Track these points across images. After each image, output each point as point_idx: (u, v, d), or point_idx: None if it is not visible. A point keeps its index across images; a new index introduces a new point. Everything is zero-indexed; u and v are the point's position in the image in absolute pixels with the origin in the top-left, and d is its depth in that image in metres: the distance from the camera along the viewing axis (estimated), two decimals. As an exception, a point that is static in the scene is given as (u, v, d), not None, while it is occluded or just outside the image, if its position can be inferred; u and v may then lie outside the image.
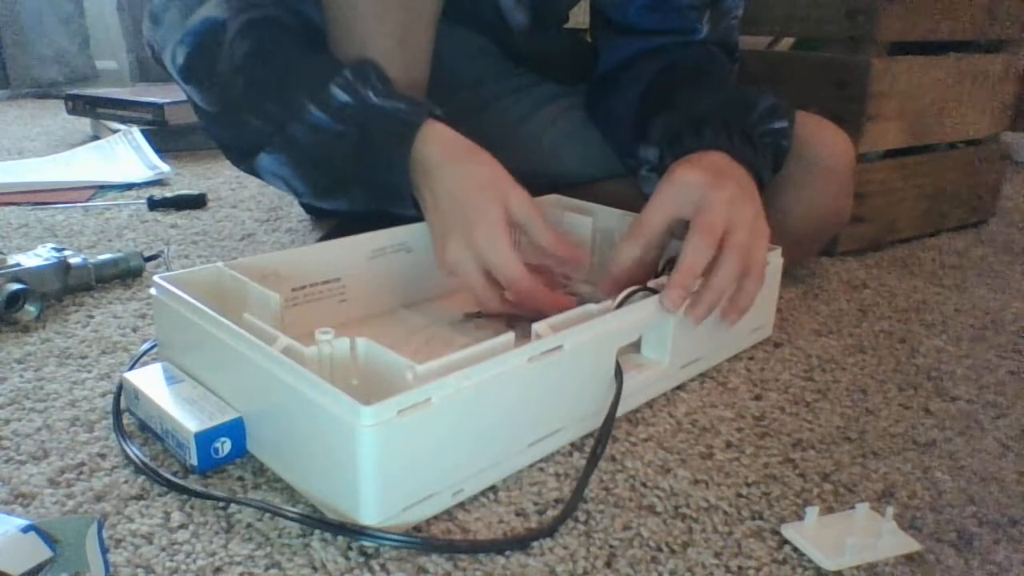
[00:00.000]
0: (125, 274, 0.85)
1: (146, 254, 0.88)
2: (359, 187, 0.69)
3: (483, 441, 0.48)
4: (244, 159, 0.74)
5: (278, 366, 0.47)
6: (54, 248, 0.80)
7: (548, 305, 0.61)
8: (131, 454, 0.52)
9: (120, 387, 0.59)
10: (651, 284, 0.60)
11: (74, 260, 0.80)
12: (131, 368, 0.63)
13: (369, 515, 0.43)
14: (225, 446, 0.51)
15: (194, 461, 0.50)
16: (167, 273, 0.59)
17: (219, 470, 0.51)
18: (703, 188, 0.60)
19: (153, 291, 0.59)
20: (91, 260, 0.82)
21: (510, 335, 0.50)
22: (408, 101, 0.65)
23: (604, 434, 0.53)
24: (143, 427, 0.56)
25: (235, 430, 0.51)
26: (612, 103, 0.89)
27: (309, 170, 0.70)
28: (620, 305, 0.58)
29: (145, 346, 0.66)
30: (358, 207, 0.72)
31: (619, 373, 0.56)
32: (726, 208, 0.59)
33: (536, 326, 0.52)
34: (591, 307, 0.56)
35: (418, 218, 0.68)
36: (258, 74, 0.69)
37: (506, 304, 0.63)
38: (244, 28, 0.70)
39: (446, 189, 0.62)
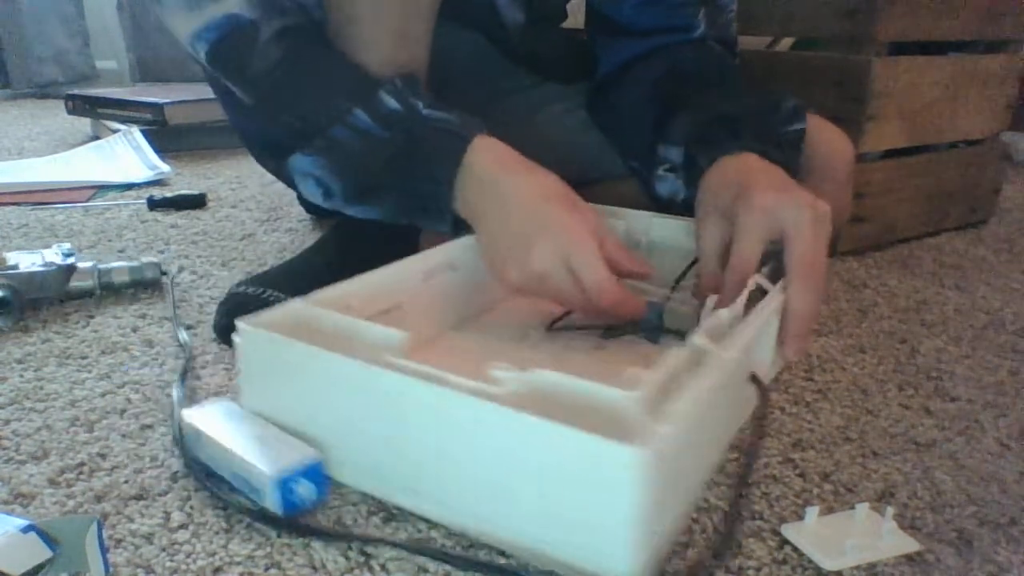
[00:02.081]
0: (138, 285, 0.82)
1: (155, 261, 0.83)
2: (396, 196, 0.68)
3: (695, 476, 0.47)
4: (273, 158, 0.73)
5: (511, 418, 0.41)
6: (64, 253, 0.78)
7: (634, 313, 0.61)
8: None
9: (180, 427, 0.54)
10: (758, 280, 0.59)
11: (82, 265, 0.79)
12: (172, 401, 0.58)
13: (635, 567, 0.40)
14: (308, 490, 0.47)
15: (276, 507, 0.46)
16: (253, 319, 0.52)
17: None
18: (787, 210, 0.58)
19: (240, 339, 0.52)
20: (102, 265, 0.80)
21: (682, 351, 0.48)
22: (459, 114, 0.65)
23: (751, 457, 0.51)
24: (204, 471, 0.51)
25: (317, 473, 0.47)
26: (616, 105, 0.89)
27: (347, 175, 0.69)
28: (746, 310, 0.56)
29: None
30: (389, 218, 0.70)
31: (759, 384, 0.53)
32: (814, 236, 0.58)
33: (696, 339, 0.49)
34: (724, 313, 0.54)
35: (450, 234, 0.67)
36: (296, 74, 0.69)
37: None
38: (278, 34, 0.70)
39: (519, 199, 0.60)
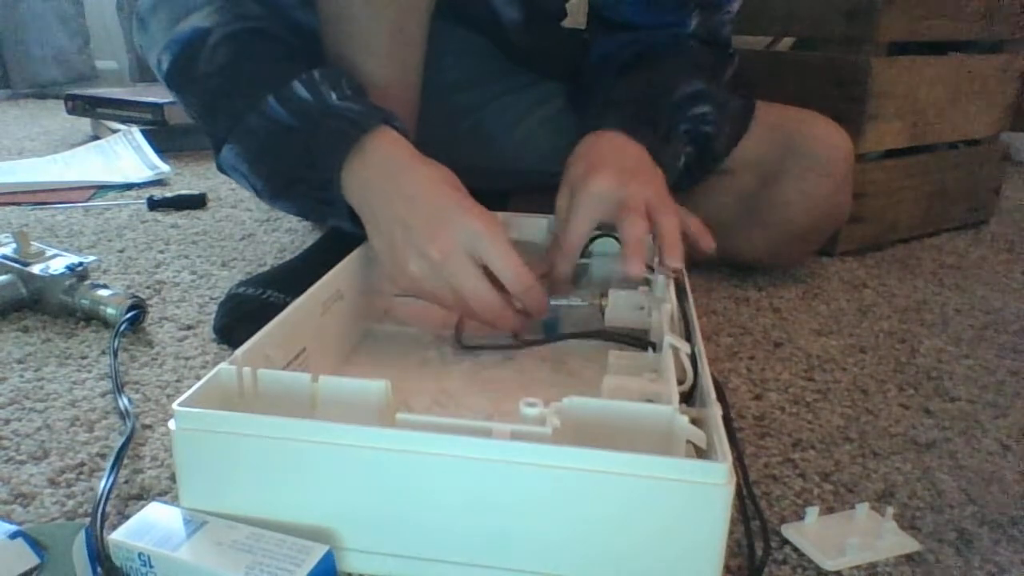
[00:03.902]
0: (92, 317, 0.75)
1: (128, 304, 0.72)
2: (303, 189, 0.66)
3: None
4: (216, 155, 0.73)
5: (575, 456, 0.39)
6: (68, 266, 0.76)
7: (540, 306, 0.60)
8: None
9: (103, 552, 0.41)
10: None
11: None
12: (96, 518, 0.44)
13: None
14: None
15: None
16: (189, 399, 0.42)
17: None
18: (614, 191, 0.62)
19: (178, 425, 0.42)
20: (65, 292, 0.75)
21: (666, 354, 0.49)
22: (366, 104, 0.63)
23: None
24: None
25: (331, 566, 0.40)
26: (582, 92, 0.90)
27: (261, 166, 0.68)
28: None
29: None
30: (306, 216, 0.69)
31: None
32: (641, 200, 0.61)
33: (670, 339, 0.50)
34: (667, 307, 0.56)
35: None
36: (232, 77, 0.69)
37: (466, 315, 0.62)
38: (227, 37, 0.70)
39: (420, 187, 0.58)
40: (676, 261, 0.59)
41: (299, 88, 0.64)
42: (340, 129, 0.61)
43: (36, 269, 0.76)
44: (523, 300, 0.59)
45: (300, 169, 0.64)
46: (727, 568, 0.44)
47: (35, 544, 0.40)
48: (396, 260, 0.59)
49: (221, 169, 0.74)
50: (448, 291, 0.58)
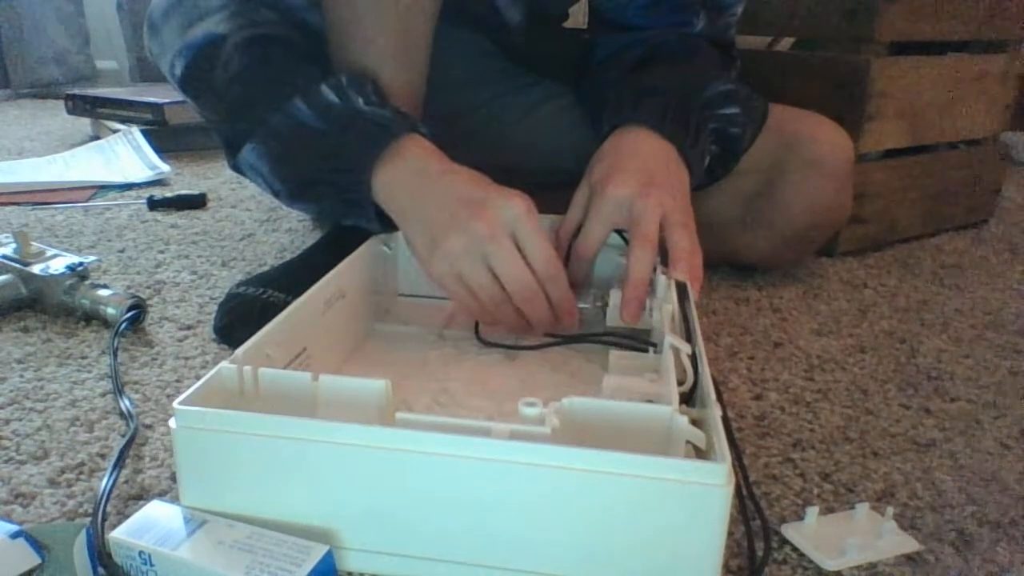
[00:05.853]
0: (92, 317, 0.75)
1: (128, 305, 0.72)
2: (327, 190, 0.67)
3: None
4: (232, 156, 0.74)
5: (574, 456, 0.39)
6: (68, 267, 0.76)
7: (566, 303, 0.61)
8: None
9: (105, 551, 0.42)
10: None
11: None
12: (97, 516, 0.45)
13: None
14: None
15: None
16: (190, 397, 0.43)
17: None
18: (633, 200, 0.62)
19: (178, 424, 0.42)
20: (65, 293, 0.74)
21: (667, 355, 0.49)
22: (395, 111, 0.64)
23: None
24: None
25: (330, 567, 0.40)
26: (595, 86, 0.89)
27: (283, 166, 0.69)
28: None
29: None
30: (326, 216, 0.70)
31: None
32: (656, 215, 0.61)
33: (671, 340, 0.50)
34: (668, 308, 0.56)
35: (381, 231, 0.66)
36: (253, 81, 0.69)
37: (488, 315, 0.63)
38: (243, 44, 0.70)
39: (451, 189, 0.60)
40: (680, 277, 0.60)
41: (327, 92, 0.65)
42: (370, 133, 0.63)
43: (36, 269, 0.76)
44: (547, 288, 0.60)
45: (325, 170, 0.66)
46: (727, 568, 0.44)
47: (36, 544, 0.40)
48: (435, 239, 0.59)
49: (237, 170, 0.74)
50: (483, 272, 0.58)
